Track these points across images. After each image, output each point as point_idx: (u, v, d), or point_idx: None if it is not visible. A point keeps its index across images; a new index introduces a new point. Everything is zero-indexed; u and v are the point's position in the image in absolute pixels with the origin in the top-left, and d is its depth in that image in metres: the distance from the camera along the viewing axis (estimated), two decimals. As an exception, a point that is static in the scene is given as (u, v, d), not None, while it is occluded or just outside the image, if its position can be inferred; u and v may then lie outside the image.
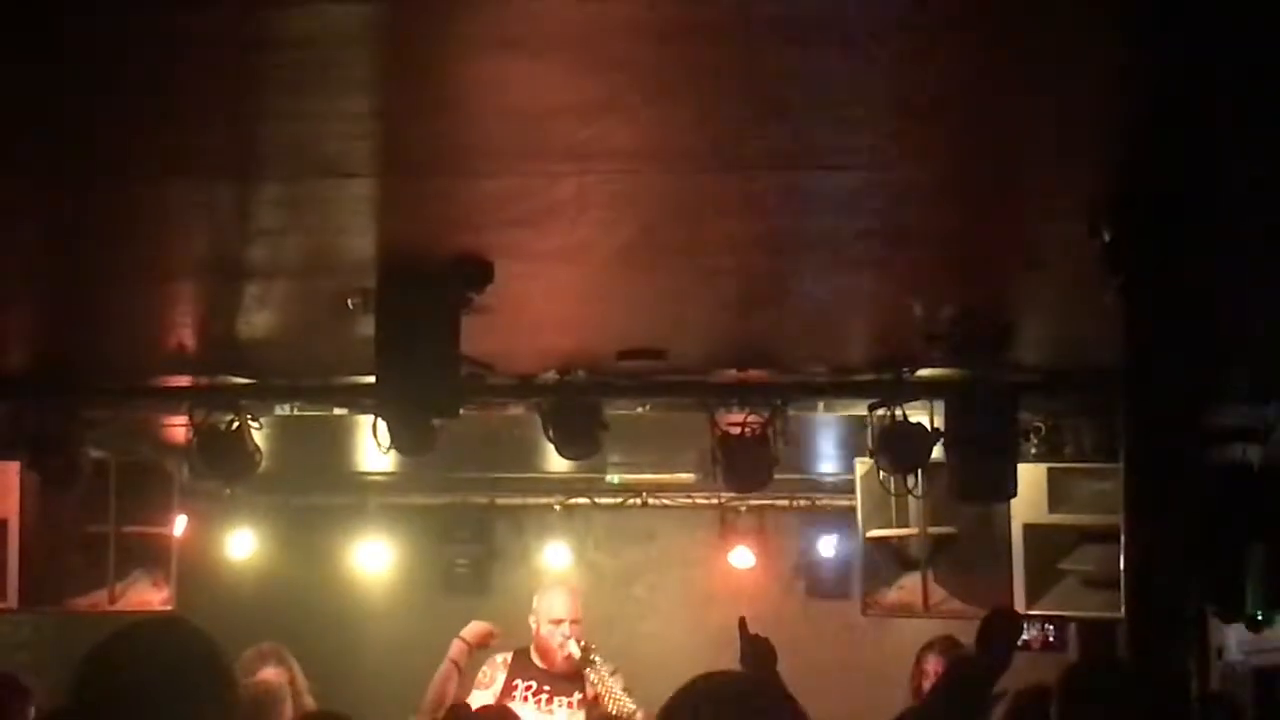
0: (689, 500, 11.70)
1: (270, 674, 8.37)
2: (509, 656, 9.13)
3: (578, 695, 8.78)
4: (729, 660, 6.88)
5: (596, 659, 8.97)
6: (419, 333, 6.28)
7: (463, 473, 11.44)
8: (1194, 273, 5.53)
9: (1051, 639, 5.76)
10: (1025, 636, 5.60)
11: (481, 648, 8.89)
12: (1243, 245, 5.75)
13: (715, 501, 11.27)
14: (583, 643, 8.99)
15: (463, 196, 5.49)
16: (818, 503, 11.67)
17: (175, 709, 3.14)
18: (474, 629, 8.92)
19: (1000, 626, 5.32)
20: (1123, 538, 5.67)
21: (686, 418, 8.53)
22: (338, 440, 9.77)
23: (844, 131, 4.89)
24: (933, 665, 8.36)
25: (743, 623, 6.07)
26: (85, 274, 6.52)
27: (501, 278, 6.18)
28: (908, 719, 5.54)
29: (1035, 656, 6.59)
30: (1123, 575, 5.67)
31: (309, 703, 8.41)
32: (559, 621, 9.04)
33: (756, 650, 6.09)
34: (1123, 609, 5.70)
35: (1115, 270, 5.54)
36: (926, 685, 8.12)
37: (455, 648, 8.79)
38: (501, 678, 9.03)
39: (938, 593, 9.23)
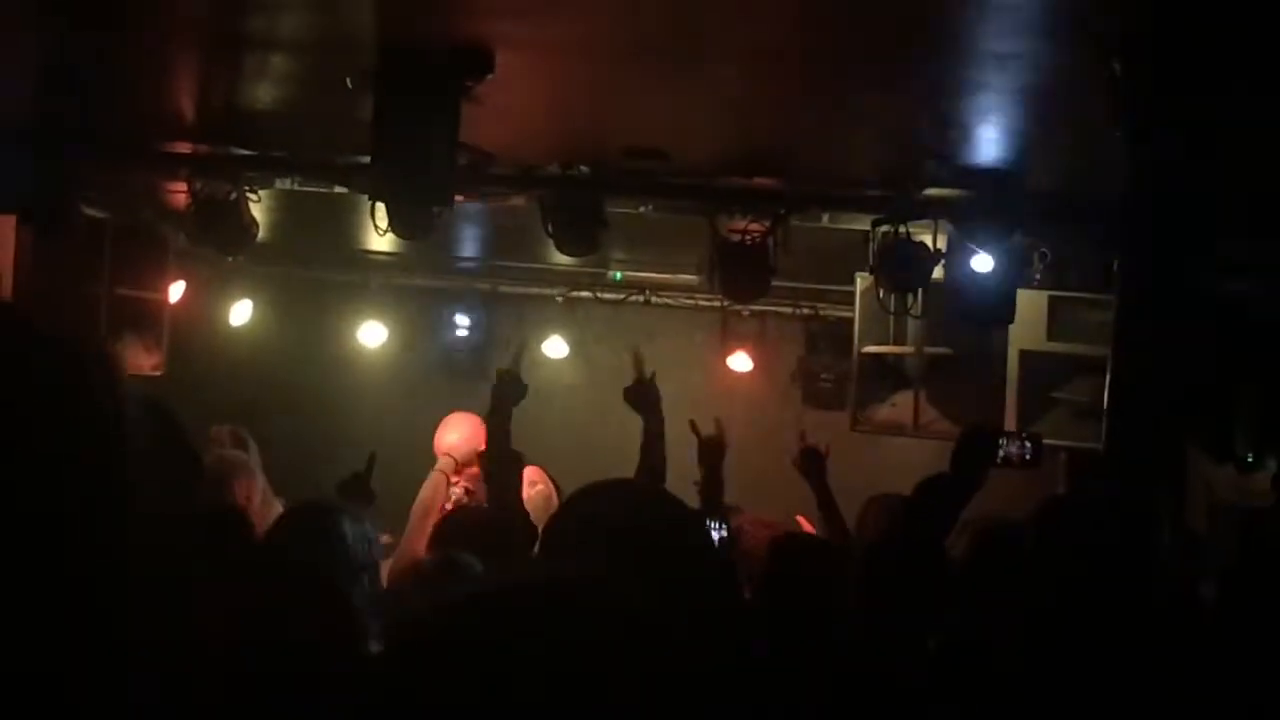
0: (691, 301, 11.66)
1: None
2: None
3: None
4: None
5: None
6: (416, 118, 6.21)
7: (467, 257, 11.40)
8: (1200, 109, 5.44)
9: (1028, 456, 5.73)
10: (1004, 453, 5.54)
11: (468, 466, 8.77)
12: (1251, 84, 5.63)
13: (717, 304, 11.21)
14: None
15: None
16: (820, 312, 11.63)
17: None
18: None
19: (975, 445, 5.26)
20: (1109, 369, 5.64)
21: (693, 219, 8.47)
22: (342, 217, 9.71)
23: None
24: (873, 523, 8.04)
25: (692, 424, 6.36)
26: (86, 33, 6.41)
27: (503, 68, 6.08)
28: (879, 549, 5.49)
29: (1013, 474, 6.57)
30: (1106, 407, 5.65)
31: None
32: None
33: (707, 447, 6.33)
34: (1103, 441, 5.68)
35: (1122, 104, 5.44)
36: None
37: (444, 462, 8.62)
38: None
39: (929, 412, 9.24)
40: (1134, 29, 5.29)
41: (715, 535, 5.93)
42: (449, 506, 8.33)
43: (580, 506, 2.92)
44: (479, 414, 9.25)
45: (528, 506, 8.32)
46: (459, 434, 8.89)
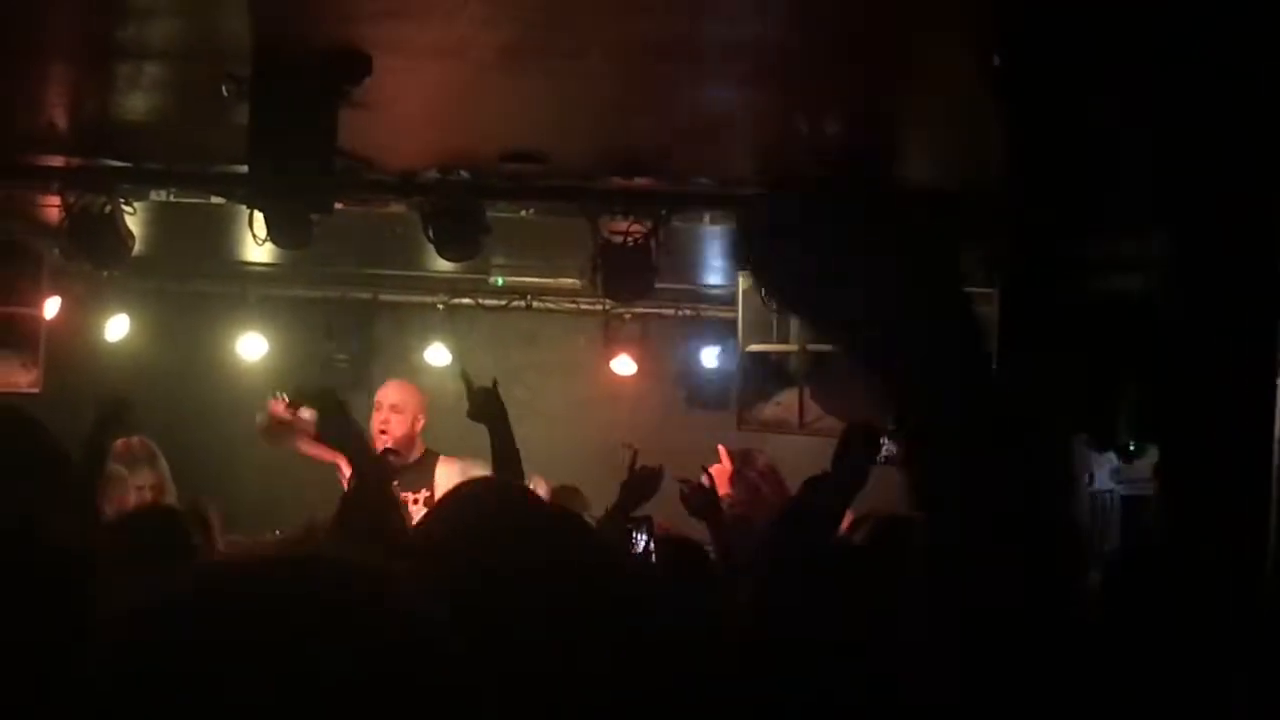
0: (574, 305, 11.61)
1: (143, 476, 8.21)
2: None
3: (424, 492, 8.48)
4: (604, 465, 6.84)
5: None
6: (293, 124, 6.15)
7: (346, 267, 11.30)
8: (1080, 102, 5.48)
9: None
10: (885, 452, 5.55)
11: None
12: (1130, 77, 5.69)
13: (600, 307, 11.18)
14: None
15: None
16: (703, 313, 11.62)
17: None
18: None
19: (857, 445, 5.25)
20: (995, 360, 5.65)
21: (574, 222, 8.44)
22: (219, 228, 9.60)
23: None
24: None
25: (631, 449, 6.21)
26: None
27: (380, 72, 6.04)
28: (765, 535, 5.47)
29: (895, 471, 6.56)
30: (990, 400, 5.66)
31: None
32: (378, 406, 8.68)
33: (638, 480, 6.18)
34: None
35: (1001, 96, 5.48)
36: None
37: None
38: None
39: (813, 410, 9.25)
40: (1014, 23, 5.32)
41: (641, 543, 5.88)
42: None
43: (444, 508, 2.90)
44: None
45: None
46: (401, 393, 8.73)
